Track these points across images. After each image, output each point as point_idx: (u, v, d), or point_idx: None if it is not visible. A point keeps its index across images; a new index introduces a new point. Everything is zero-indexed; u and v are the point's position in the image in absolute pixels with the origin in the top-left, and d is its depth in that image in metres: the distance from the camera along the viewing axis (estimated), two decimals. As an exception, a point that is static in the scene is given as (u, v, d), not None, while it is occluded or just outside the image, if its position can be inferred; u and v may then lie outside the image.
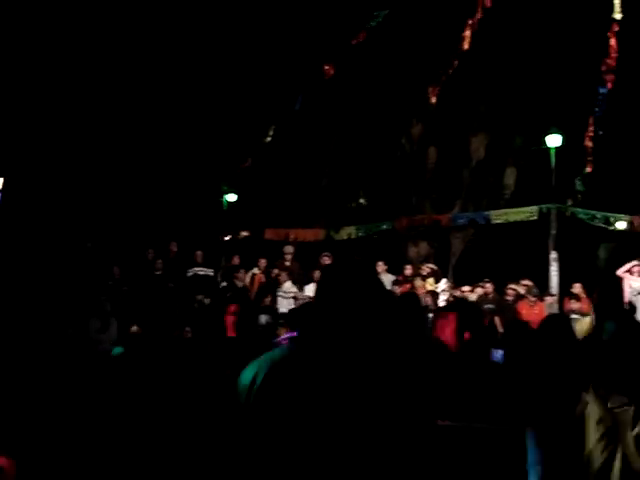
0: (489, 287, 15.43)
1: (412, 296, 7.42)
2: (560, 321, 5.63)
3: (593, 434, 3.83)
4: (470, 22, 19.81)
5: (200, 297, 14.83)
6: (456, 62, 19.62)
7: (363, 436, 2.32)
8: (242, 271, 16.14)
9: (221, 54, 22.56)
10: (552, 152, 20.26)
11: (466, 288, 15.73)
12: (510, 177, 24.12)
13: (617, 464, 3.77)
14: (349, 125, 23.73)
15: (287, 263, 16.48)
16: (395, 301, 6.35)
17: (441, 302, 14.88)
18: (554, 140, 20.34)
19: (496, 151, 24.08)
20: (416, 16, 21.79)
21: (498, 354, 11.24)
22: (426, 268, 15.63)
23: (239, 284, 15.67)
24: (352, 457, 2.30)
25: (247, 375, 2.48)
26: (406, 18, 21.43)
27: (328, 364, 2.39)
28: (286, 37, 21.38)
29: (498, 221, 20.75)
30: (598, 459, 3.80)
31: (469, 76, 22.64)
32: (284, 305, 14.91)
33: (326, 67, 19.53)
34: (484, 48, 22.00)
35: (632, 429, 3.72)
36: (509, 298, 15.23)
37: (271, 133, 22.54)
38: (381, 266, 15.70)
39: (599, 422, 3.82)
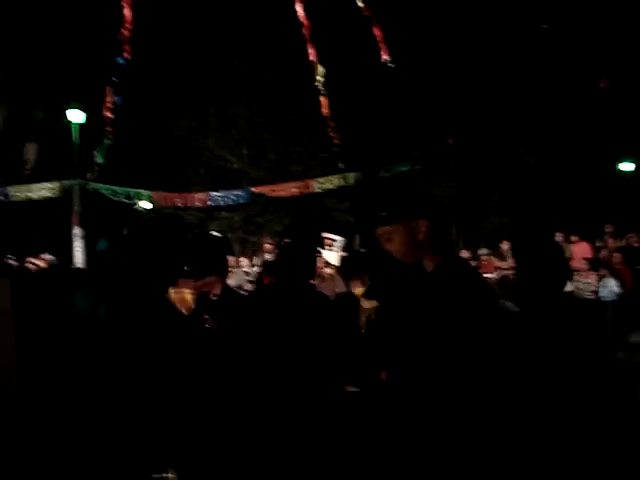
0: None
1: None
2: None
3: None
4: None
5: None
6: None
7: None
8: None
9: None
10: (74, 127, 20.14)
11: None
12: (31, 152, 23.31)
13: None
14: None
15: None
16: None
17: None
18: (76, 115, 20.24)
19: (15, 124, 23.01)
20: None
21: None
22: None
23: None
24: None
25: None
26: None
27: None
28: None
29: (19, 197, 19.93)
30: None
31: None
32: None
33: None
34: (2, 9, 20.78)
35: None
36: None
37: None
38: None
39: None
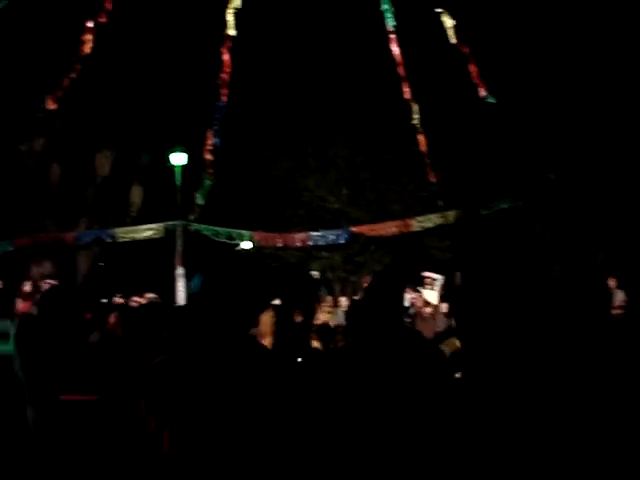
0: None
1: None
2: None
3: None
4: (91, 25, 19.25)
5: None
6: (78, 67, 18.86)
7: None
8: None
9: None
10: (177, 170, 20.69)
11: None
12: (136, 195, 24.10)
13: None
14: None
15: None
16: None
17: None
18: (179, 158, 20.79)
19: (122, 168, 23.87)
20: (35, 15, 20.73)
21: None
22: (44, 284, 14.87)
23: None
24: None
25: None
26: (25, 16, 20.24)
27: None
28: None
29: (124, 239, 20.50)
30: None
31: (95, 90, 22.14)
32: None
33: None
34: (110, 59, 21.72)
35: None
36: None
37: None
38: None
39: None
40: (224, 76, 20.41)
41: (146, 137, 23.31)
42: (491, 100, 20.79)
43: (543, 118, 20.54)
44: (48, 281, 14.97)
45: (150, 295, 15.24)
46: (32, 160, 23.05)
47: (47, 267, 21.88)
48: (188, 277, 19.19)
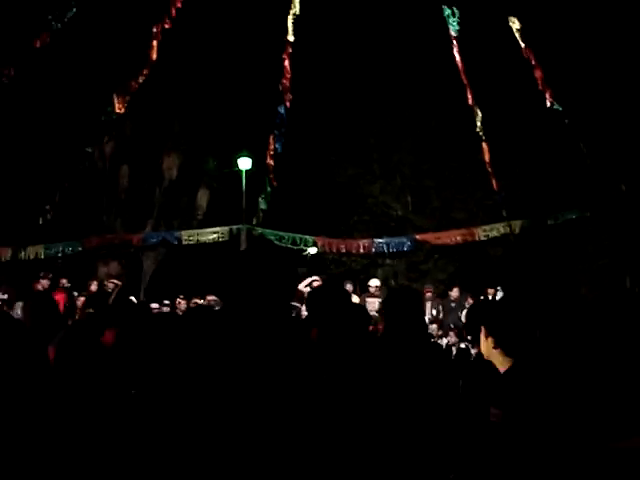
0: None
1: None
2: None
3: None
4: (156, 30, 19.67)
5: None
6: (146, 72, 19.27)
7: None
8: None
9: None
10: (243, 174, 20.94)
11: (154, 305, 15.45)
12: (202, 198, 24.42)
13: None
14: (32, 137, 22.33)
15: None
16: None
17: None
18: (244, 163, 21.06)
19: (189, 172, 24.22)
20: (104, 22, 21.25)
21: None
22: (110, 283, 15.10)
23: None
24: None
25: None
26: (93, 23, 20.75)
27: None
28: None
29: (190, 241, 20.75)
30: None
31: (163, 95, 22.56)
32: None
33: (5, 71, 18.08)
34: (177, 64, 22.13)
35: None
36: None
37: None
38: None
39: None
40: (285, 82, 20.56)
41: (213, 142, 23.65)
42: (557, 107, 20.35)
43: (614, 127, 19.99)
44: (113, 280, 15.20)
45: (211, 297, 15.34)
46: (102, 162, 23.61)
47: (114, 267, 22.32)
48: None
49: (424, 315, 8.73)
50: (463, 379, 5.03)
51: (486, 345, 3.47)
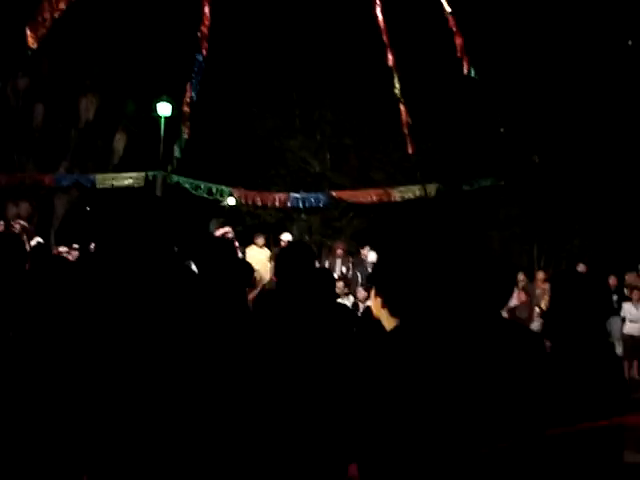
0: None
1: None
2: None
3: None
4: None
5: None
6: (62, 5, 18.43)
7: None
8: None
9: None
10: (162, 120, 20.66)
11: (63, 249, 15.21)
12: (119, 142, 23.92)
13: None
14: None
15: None
16: None
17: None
18: (164, 108, 20.75)
19: (107, 114, 23.64)
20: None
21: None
22: (16, 224, 14.77)
23: None
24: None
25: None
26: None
27: None
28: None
29: (104, 185, 20.44)
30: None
31: (82, 34, 21.84)
32: None
33: None
34: (98, 5, 21.44)
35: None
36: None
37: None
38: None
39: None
40: (203, 29, 20.25)
41: (133, 85, 23.07)
42: (474, 75, 20.74)
43: (530, 97, 20.50)
44: (20, 221, 14.85)
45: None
46: (15, 99, 22.80)
47: (24, 208, 21.74)
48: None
49: (330, 271, 8.95)
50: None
51: (375, 304, 3.50)
